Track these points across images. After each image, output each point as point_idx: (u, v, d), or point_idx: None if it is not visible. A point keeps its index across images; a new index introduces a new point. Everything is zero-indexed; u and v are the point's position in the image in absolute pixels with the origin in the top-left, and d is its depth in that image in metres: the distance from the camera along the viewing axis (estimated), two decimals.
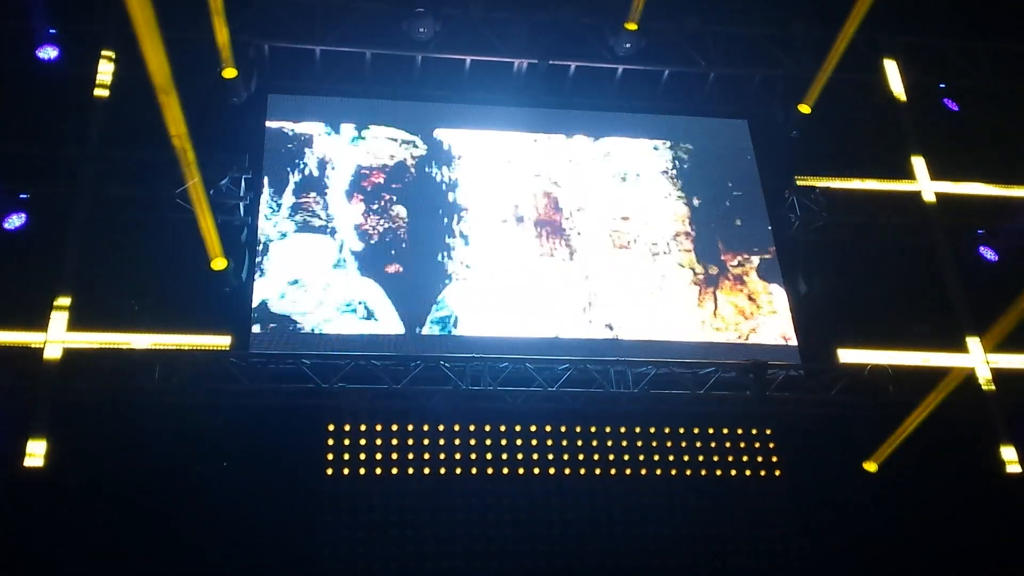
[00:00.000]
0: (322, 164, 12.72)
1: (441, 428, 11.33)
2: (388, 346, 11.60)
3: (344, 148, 12.92)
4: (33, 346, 10.49)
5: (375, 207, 12.56)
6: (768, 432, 11.92)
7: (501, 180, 13.10)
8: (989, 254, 13.31)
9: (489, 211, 12.84)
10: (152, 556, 9.97)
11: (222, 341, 10.96)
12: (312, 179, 12.59)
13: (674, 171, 13.64)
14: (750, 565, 11.20)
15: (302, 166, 12.66)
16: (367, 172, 12.80)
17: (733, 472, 11.66)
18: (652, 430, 11.71)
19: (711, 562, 11.09)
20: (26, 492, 9.91)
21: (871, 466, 11.74)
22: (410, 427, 11.26)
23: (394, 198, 12.69)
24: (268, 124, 12.81)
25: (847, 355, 12.04)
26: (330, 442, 11.07)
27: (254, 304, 11.59)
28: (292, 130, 12.89)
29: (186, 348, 10.79)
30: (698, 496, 11.46)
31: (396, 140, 13.12)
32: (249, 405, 10.98)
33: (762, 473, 11.70)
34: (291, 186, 12.48)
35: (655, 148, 13.77)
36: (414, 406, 11.30)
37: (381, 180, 12.78)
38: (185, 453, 10.46)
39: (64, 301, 10.71)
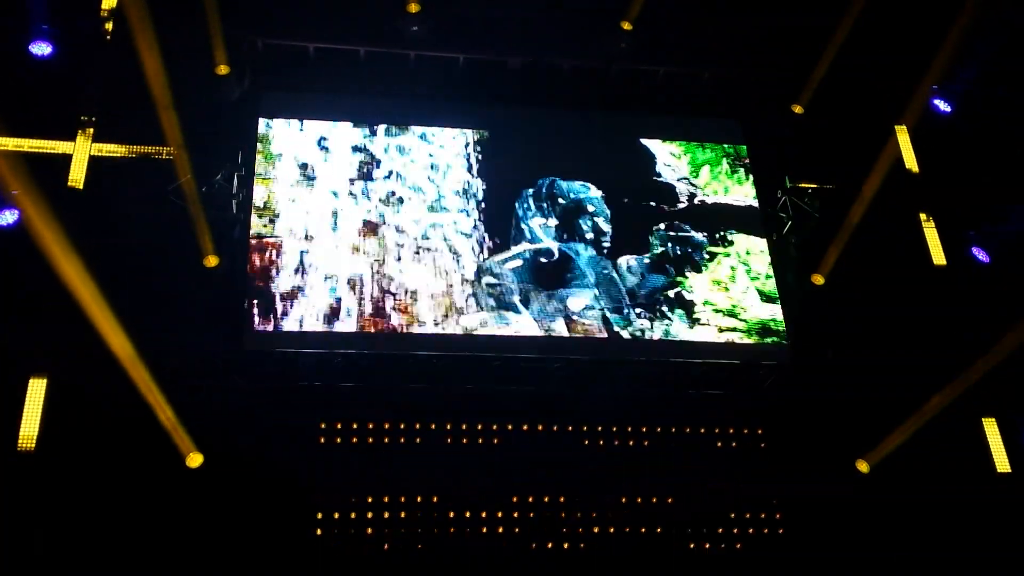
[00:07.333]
0: (315, 159, 12.72)
1: (433, 426, 11.34)
2: (383, 343, 11.61)
3: (337, 144, 12.91)
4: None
5: (370, 203, 12.57)
6: (759, 431, 11.94)
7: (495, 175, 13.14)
8: (981, 255, 13.35)
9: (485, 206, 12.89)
10: (137, 551, 9.99)
11: (215, 337, 10.99)
12: (304, 174, 12.59)
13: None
14: (741, 565, 11.23)
15: (294, 161, 12.66)
16: (361, 168, 12.81)
17: (724, 470, 11.67)
18: (644, 428, 11.73)
19: (703, 560, 11.11)
20: (19, 476, 10.07)
21: (863, 466, 11.77)
22: (403, 424, 11.27)
23: (391, 195, 12.70)
24: (261, 121, 12.81)
25: (838, 354, 12.07)
26: (323, 439, 11.08)
27: (248, 300, 11.57)
28: (284, 126, 12.89)
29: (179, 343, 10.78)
30: (689, 494, 11.47)
31: (390, 137, 13.13)
32: (243, 401, 10.97)
33: (753, 472, 11.72)
34: (284, 181, 12.50)
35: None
36: (407, 402, 11.30)
37: (376, 176, 12.79)
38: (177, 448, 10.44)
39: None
